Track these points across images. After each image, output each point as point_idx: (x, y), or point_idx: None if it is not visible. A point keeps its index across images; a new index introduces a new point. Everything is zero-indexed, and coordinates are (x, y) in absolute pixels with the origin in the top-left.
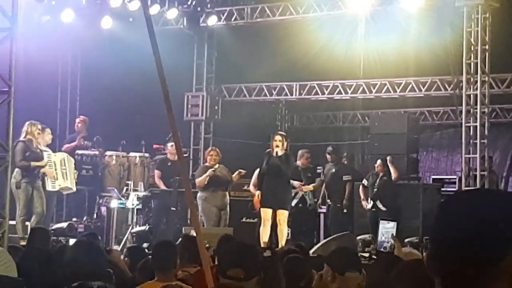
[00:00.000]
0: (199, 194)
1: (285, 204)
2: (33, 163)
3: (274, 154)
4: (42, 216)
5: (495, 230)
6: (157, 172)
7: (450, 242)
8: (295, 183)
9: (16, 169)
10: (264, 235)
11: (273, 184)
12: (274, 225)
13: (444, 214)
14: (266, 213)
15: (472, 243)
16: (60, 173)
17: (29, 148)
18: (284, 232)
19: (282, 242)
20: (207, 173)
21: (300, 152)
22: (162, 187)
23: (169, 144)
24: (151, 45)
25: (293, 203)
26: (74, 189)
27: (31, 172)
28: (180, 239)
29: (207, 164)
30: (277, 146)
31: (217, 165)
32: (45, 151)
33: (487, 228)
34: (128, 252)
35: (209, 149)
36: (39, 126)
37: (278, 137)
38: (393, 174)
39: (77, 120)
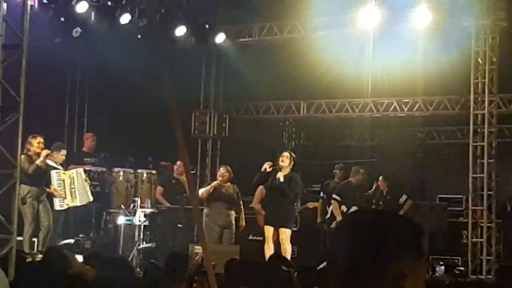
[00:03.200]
0: (203, 210)
1: (287, 223)
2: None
3: (278, 174)
4: (49, 230)
5: (379, 249)
6: (159, 189)
7: (341, 262)
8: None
9: (21, 186)
10: (268, 253)
11: (276, 202)
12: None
13: (334, 236)
14: (268, 231)
15: (360, 262)
16: (68, 192)
17: (32, 160)
18: (287, 250)
19: None
20: (212, 184)
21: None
22: (164, 203)
23: (178, 163)
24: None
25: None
26: (91, 199)
27: (36, 187)
28: (168, 257)
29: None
30: (282, 162)
31: (227, 183)
32: (56, 168)
33: (372, 247)
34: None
35: (221, 167)
36: (39, 140)
37: (285, 154)
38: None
39: (85, 137)
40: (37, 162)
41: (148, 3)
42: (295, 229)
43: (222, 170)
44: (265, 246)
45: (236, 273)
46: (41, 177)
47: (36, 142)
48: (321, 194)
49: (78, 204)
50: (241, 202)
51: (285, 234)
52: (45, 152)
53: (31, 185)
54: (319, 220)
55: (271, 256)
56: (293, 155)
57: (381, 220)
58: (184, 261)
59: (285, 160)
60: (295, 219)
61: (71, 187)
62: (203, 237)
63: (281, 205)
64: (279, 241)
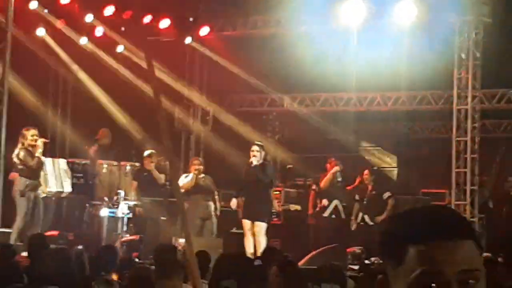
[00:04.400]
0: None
1: (261, 216)
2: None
3: (251, 163)
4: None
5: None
6: (134, 183)
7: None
8: None
9: (21, 179)
10: (247, 246)
11: (250, 195)
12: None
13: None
14: (245, 224)
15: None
16: (43, 179)
17: (32, 154)
18: (261, 243)
19: (258, 253)
20: (192, 177)
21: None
22: (137, 198)
23: (145, 153)
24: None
25: (327, 213)
26: (65, 190)
27: (35, 180)
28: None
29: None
30: (254, 156)
31: (202, 175)
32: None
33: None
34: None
35: (195, 160)
36: (33, 133)
37: (255, 147)
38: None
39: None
40: (37, 154)
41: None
42: (269, 222)
43: (196, 162)
44: (244, 239)
45: (220, 268)
46: (39, 169)
47: (29, 135)
48: (313, 186)
49: (53, 189)
50: (216, 192)
51: (259, 227)
52: (41, 142)
53: (31, 179)
54: (310, 211)
55: (265, 250)
56: (263, 145)
57: None
58: (173, 254)
59: (256, 154)
60: (270, 212)
61: (44, 174)
62: (187, 229)
63: (255, 198)
64: None
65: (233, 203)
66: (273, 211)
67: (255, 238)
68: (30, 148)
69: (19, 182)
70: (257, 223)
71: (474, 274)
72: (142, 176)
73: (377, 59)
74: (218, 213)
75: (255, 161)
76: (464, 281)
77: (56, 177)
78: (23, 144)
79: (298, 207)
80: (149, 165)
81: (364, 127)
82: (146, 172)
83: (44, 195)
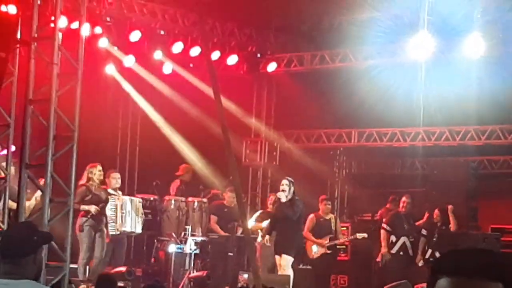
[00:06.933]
0: (258, 239)
1: (288, 249)
2: (82, 207)
3: (279, 199)
4: (100, 261)
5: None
6: (213, 217)
7: None
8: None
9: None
10: None
11: (280, 231)
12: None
13: None
14: (277, 260)
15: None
16: (119, 217)
17: (90, 191)
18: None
19: None
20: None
21: (394, 198)
22: (219, 232)
23: (227, 190)
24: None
25: (394, 250)
26: (138, 230)
27: (94, 216)
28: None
29: (268, 210)
30: (282, 191)
31: None
32: (113, 194)
33: None
34: None
35: (271, 196)
36: (100, 168)
37: (284, 182)
38: (452, 225)
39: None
40: (93, 211)
41: (200, 32)
42: (296, 256)
43: (274, 198)
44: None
45: None
46: (100, 207)
47: (97, 170)
48: (385, 226)
49: (127, 229)
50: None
51: (285, 260)
52: (94, 210)
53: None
54: (384, 250)
55: None
56: (292, 181)
57: None
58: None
59: (285, 189)
60: (298, 246)
61: (121, 212)
62: (254, 264)
63: (283, 232)
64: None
65: (267, 239)
66: (338, 246)
67: (282, 271)
68: (95, 185)
69: (80, 217)
70: (283, 256)
71: None
72: (222, 212)
73: (445, 93)
74: None
75: (283, 196)
76: None
77: (132, 218)
78: (89, 179)
79: (365, 235)
80: (229, 201)
81: (431, 162)
82: (227, 208)
83: (118, 232)
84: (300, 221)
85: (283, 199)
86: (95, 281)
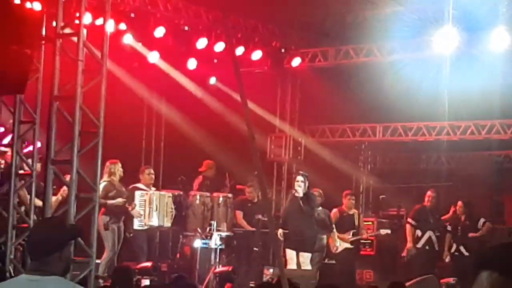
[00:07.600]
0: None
1: (306, 246)
2: (109, 202)
3: (295, 194)
4: (114, 254)
5: None
6: (238, 213)
7: None
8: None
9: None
10: None
11: (295, 225)
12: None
13: None
14: (288, 253)
15: None
16: (147, 211)
17: (114, 186)
18: None
19: None
20: None
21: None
22: (247, 227)
23: (247, 185)
24: (238, 86)
25: (420, 244)
26: (167, 224)
27: (116, 213)
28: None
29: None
30: (298, 186)
31: (319, 208)
32: (141, 189)
33: None
34: None
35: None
36: (120, 164)
37: (299, 177)
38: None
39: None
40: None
41: (224, 27)
42: (313, 252)
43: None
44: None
45: None
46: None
47: (119, 167)
48: (409, 220)
49: (155, 224)
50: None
51: (303, 257)
52: (122, 202)
53: (111, 214)
54: (410, 245)
55: None
56: (307, 175)
57: None
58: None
59: (301, 184)
60: (314, 242)
61: (149, 207)
62: (280, 260)
63: (300, 229)
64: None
65: (280, 233)
66: (362, 241)
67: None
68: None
69: (105, 215)
70: (301, 253)
71: None
72: (246, 207)
73: (471, 87)
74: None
75: (299, 191)
76: None
77: (159, 212)
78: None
79: (388, 231)
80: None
81: (457, 156)
82: (250, 203)
83: (146, 227)
84: (313, 215)
85: (300, 194)
86: (111, 273)
